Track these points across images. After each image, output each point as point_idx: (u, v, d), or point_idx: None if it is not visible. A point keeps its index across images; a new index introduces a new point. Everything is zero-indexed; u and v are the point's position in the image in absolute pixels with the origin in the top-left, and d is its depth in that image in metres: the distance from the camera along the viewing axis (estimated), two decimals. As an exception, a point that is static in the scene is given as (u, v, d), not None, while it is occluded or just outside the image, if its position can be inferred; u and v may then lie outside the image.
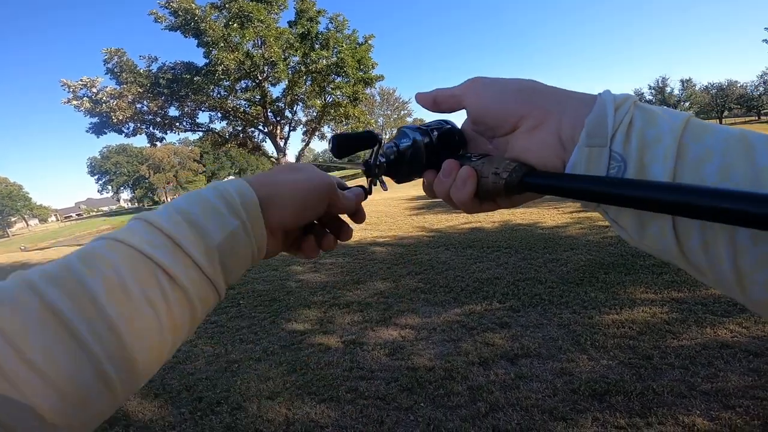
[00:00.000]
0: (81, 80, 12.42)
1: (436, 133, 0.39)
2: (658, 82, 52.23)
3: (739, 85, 48.80)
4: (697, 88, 50.90)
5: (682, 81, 51.49)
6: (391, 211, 10.01)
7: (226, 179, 0.36)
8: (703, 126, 0.26)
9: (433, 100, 0.38)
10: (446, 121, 0.40)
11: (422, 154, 0.39)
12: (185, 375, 2.81)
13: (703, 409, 1.89)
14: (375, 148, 0.42)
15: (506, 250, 4.88)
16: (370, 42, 14.52)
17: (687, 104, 50.12)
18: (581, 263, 4.03)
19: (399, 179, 0.43)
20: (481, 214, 7.49)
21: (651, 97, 51.89)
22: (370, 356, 2.76)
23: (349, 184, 0.46)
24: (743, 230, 0.23)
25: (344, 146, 0.40)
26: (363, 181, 0.47)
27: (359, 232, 7.47)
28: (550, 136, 0.31)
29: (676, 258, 0.27)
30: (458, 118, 0.41)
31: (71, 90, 12.40)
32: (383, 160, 0.41)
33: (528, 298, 3.35)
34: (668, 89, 51.73)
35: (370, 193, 0.45)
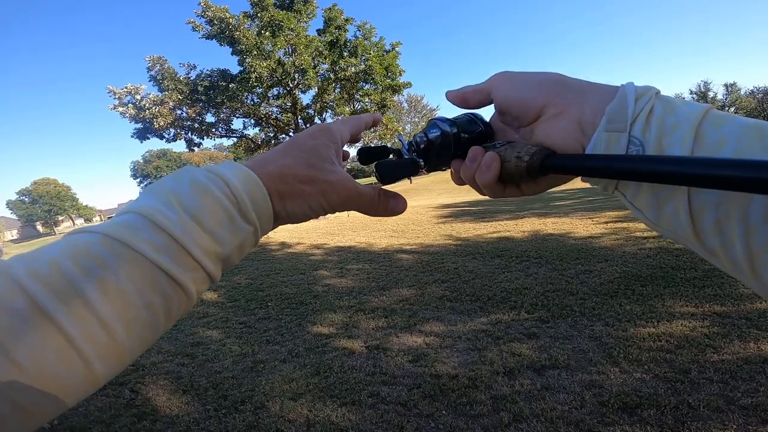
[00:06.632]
0: (126, 87, 13.08)
1: (464, 124, 0.41)
2: (699, 86, 49.84)
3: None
4: (742, 93, 48.24)
5: (725, 85, 48.85)
6: (418, 218, 9.97)
7: (225, 162, 0.33)
8: (722, 116, 0.27)
9: (462, 97, 0.40)
10: (474, 114, 0.42)
11: (451, 144, 0.41)
12: (213, 373, 2.89)
13: (740, 424, 1.78)
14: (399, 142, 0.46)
15: (536, 260, 4.76)
16: (397, 49, 14.65)
17: (732, 109, 47.54)
18: (616, 275, 3.87)
19: (428, 168, 0.45)
20: (510, 224, 7.37)
21: (693, 103, 49.38)
22: (393, 362, 2.74)
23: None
24: (756, 209, 0.24)
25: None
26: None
27: (385, 239, 7.47)
28: (571, 123, 0.32)
29: (690, 239, 0.27)
30: (487, 113, 0.44)
31: (117, 97, 13.07)
32: (413, 149, 0.43)
33: (558, 310, 3.24)
34: (711, 94, 49.24)
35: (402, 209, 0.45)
